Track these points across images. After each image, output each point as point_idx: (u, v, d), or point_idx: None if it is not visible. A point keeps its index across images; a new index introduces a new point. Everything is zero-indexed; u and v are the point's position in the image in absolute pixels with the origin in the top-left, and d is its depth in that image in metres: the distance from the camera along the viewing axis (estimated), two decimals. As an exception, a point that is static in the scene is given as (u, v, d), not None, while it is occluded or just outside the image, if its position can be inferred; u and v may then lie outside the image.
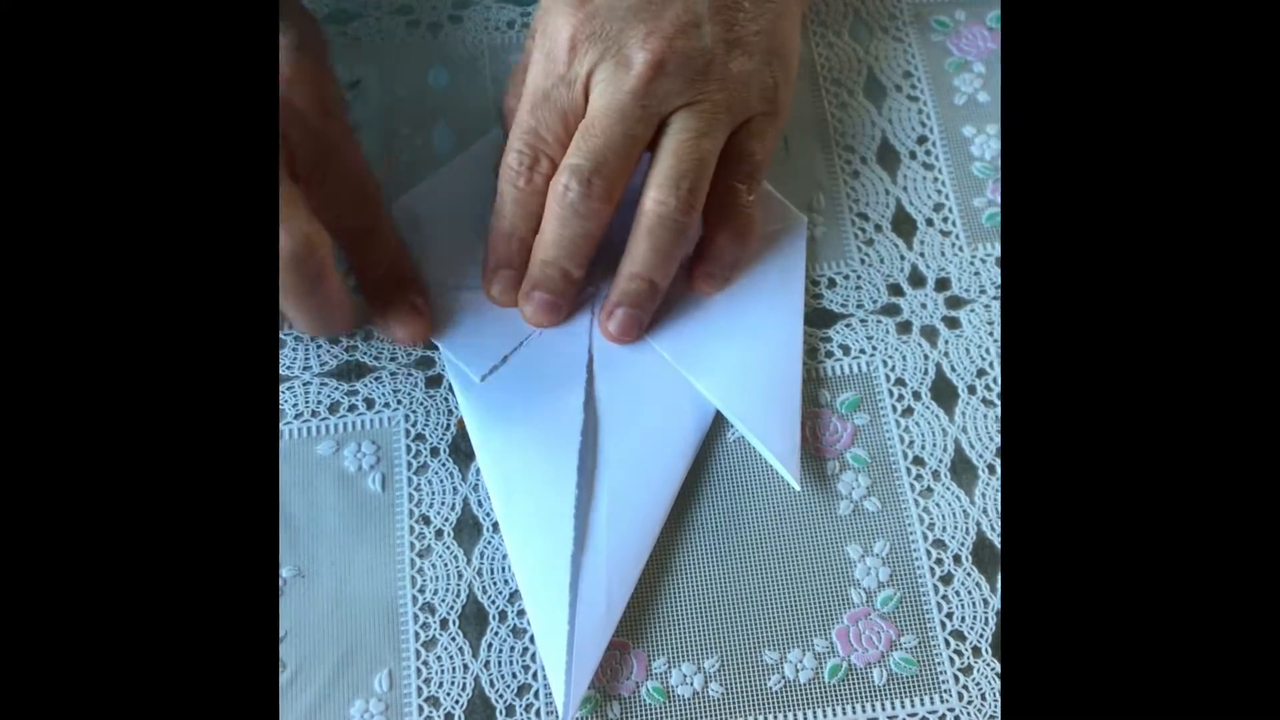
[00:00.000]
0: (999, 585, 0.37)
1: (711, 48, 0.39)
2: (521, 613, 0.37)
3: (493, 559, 0.38)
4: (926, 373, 0.41)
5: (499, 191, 0.40)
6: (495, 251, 0.40)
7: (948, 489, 0.39)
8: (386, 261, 0.40)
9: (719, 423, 0.40)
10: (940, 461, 0.39)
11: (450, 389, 0.40)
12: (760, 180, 0.41)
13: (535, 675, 0.36)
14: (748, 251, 0.41)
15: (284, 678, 0.36)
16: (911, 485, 0.39)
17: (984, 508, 0.38)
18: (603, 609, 0.36)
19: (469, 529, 0.38)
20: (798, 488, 0.38)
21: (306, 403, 0.40)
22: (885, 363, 0.41)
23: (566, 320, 0.41)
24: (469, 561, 0.38)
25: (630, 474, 0.38)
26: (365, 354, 0.41)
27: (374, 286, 0.40)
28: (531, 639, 0.36)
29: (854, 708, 0.36)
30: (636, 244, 0.39)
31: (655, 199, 0.38)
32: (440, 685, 0.36)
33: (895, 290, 0.43)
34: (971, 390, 0.41)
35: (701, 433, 0.39)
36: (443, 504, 0.39)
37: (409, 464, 0.39)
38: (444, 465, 0.39)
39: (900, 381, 0.41)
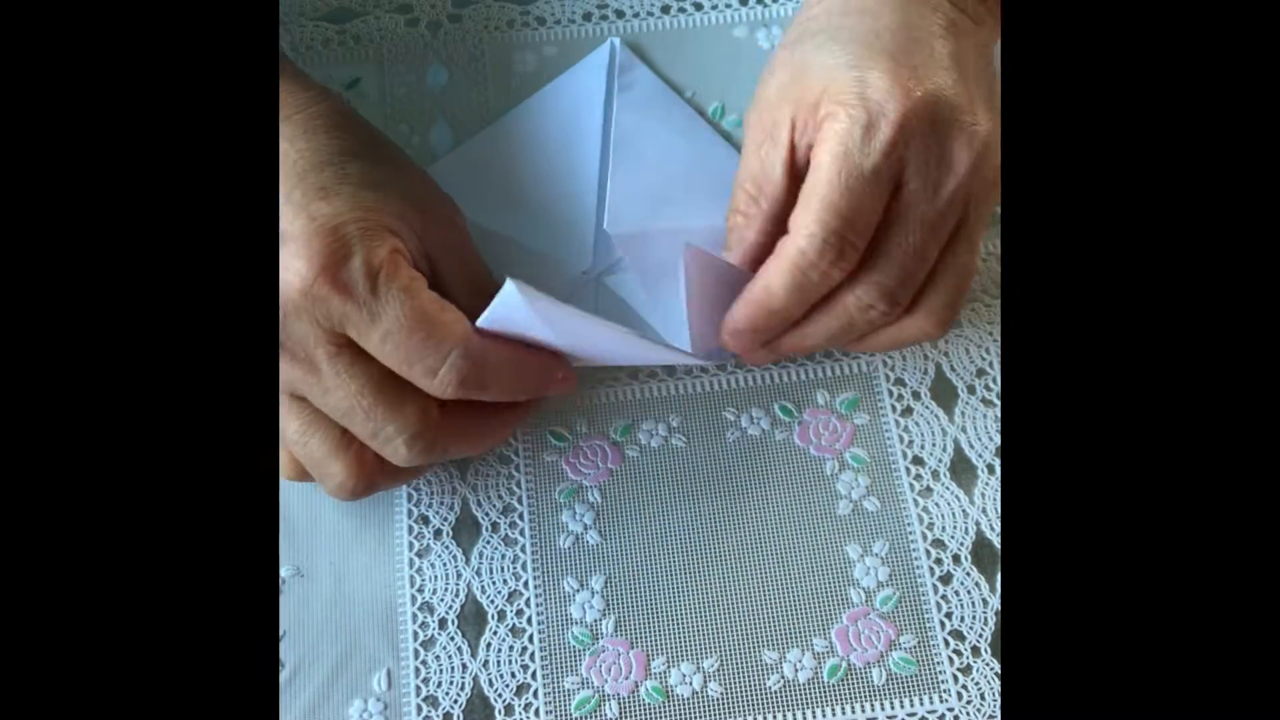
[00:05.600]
0: (998, 585, 0.37)
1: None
2: (520, 612, 0.37)
3: (491, 559, 0.38)
4: (926, 372, 0.41)
5: (789, 272, 0.34)
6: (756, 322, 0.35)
7: (947, 489, 0.39)
8: None
9: (718, 422, 0.40)
10: (940, 461, 0.39)
11: None
12: None
13: (534, 675, 0.36)
14: None
15: (283, 677, 0.36)
16: (911, 485, 0.39)
17: (983, 508, 0.38)
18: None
19: (468, 529, 0.38)
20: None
21: (305, 402, 0.40)
22: (885, 362, 0.41)
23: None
24: (468, 561, 0.38)
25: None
26: (364, 353, 0.41)
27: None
28: (530, 639, 0.36)
29: (853, 707, 0.36)
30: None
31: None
32: (439, 685, 0.36)
33: (895, 290, 0.42)
34: (971, 390, 0.40)
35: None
36: (441, 504, 0.39)
37: (408, 463, 0.39)
38: (443, 465, 0.39)
39: (900, 381, 0.41)
